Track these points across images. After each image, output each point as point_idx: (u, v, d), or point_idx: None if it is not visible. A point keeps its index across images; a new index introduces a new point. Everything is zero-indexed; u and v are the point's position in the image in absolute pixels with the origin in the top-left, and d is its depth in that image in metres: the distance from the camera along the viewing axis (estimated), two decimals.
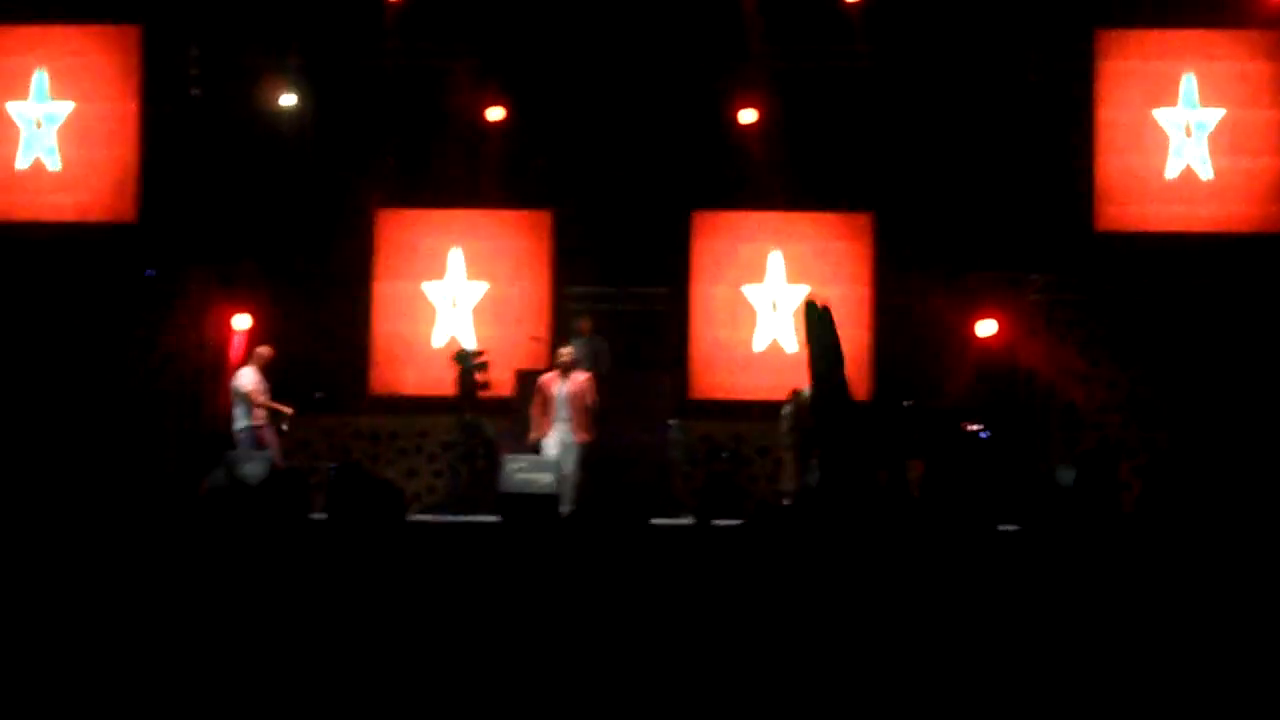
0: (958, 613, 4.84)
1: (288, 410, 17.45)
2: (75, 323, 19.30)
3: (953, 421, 17.46)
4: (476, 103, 19.80)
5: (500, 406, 18.23)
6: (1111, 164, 19.16)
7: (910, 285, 19.50)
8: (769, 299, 19.91)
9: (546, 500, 15.38)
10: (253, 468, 16.10)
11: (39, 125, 19.61)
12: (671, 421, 18.13)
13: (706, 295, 20.04)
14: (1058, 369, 19.33)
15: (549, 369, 17.23)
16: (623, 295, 19.92)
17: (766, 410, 18.71)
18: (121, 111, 19.60)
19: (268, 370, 17.52)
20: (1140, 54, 19.26)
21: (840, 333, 19.22)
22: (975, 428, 17.61)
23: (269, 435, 17.31)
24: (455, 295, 20.08)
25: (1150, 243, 19.00)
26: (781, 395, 18.19)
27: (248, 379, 17.39)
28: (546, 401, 16.78)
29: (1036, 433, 19.01)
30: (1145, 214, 19.09)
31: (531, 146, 20.00)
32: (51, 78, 19.66)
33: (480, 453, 18.17)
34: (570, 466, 16.56)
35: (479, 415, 18.18)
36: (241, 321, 19.41)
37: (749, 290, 19.96)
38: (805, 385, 18.02)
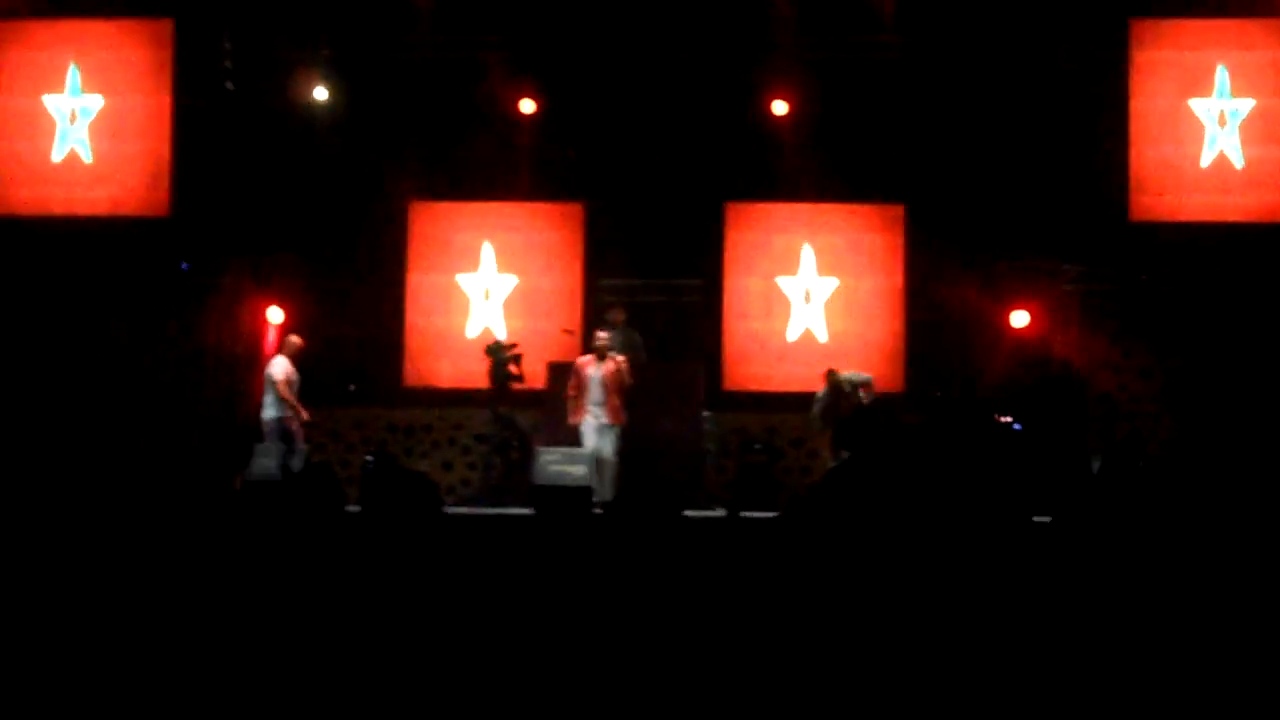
0: (985, 605, 4.83)
1: (304, 415, 17.44)
2: (109, 316, 19.38)
3: (986, 413, 17.44)
4: (508, 95, 19.80)
5: (533, 399, 18.25)
6: (1145, 154, 19.09)
7: (943, 276, 19.45)
8: (802, 290, 19.89)
9: (580, 492, 15.38)
10: (288, 461, 16.17)
11: (73, 119, 19.69)
12: (704, 413, 18.12)
13: (739, 287, 20.03)
14: (1091, 360, 19.27)
15: (584, 354, 17.28)
16: (655, 287, 19.91)
17: (800, 401, 18.68)
18: (155, 105, 19.65)
19: (298, 360, 17.57)
20: (1174, 43, 19.18)
21: (873, 324, 19.27)
22: (1008, 419, 17.59)
23: (297, 426, 17.35)
24: (488, 287, 20.11)
25: (1184, 232, 18.92)
26: (815, 386, 18.16)
27: (279, 368, 17.44)
28: (581, 384, 16.82)
29: (1070, 424, 18.94)
30: (1179, 204, 19.01)
31: (563, 138, 20.00)
32: (85, 72, 19.74)
33: (514, 445, 18.17)
34: (608, 451, 16.59)
35: (512, 407, 18.19)
36: (275, 314, 19.47)
37: (781, 282, 19.94)
38: (840, 368, 18.08)
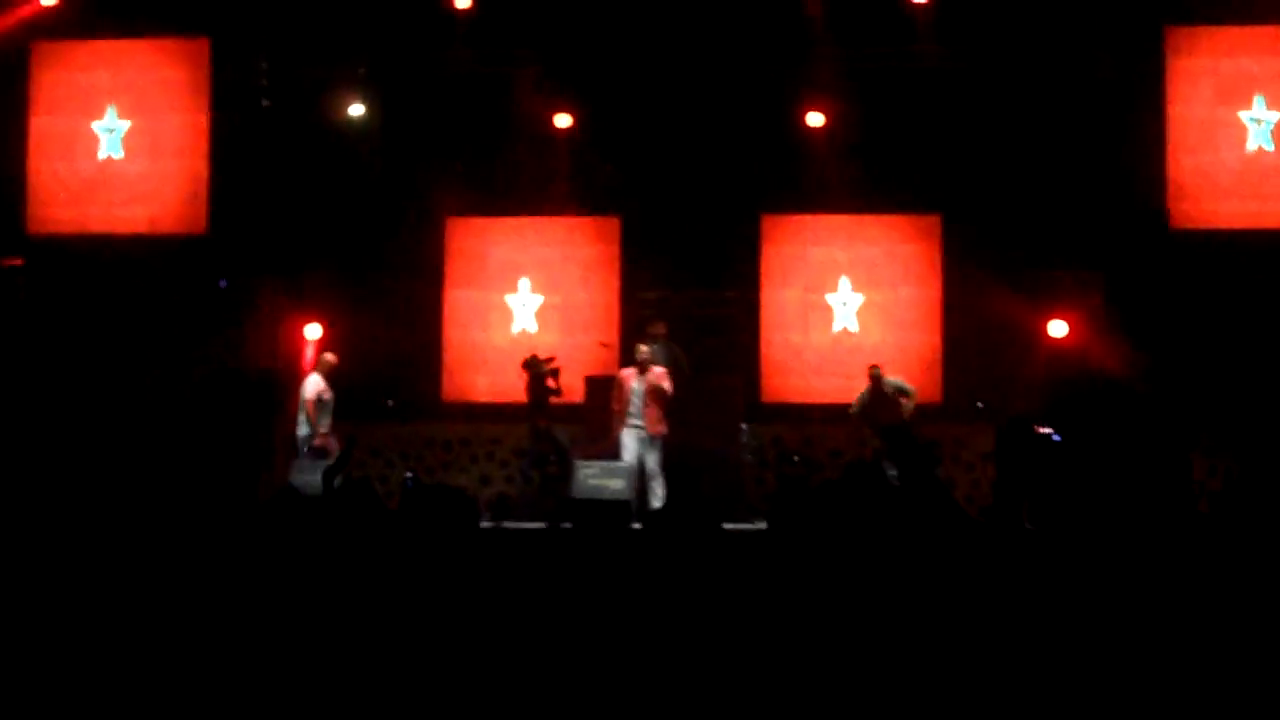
0: (1018, 615, 4.81)
1: (320, 435, 17.41)
2: (147, 334, 19.44)
3: (1025, 425, 17.37)
4: (544, 109, 19.83)
5: (571, 413, 18.24)
6: (1184, 161, 19.02)
7: (980, 287, 19.39)
8: (839, 301, 19.86)
9: (618, 506, 15.36)
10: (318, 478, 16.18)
11: (110, 135, 19.79)
12: (742, 425, 18.10)
13: (776, 299, 20.01)
14: (1131, 369, 19.17)
15: (626, 366, 17.28)
16: (692, 300, 19.90)
17: (838, 413, 18.65)
18: (192, 123, 19.74)
19: (332, 378, 17.59)
20: (1211, 51, 19.11)
21: (910, 335, 19.23)
22: (1047, 431, 17.51)
23: (331, 443, 17.38)
24: (526, 301, 20.13)
25: (1224, 240, 18.84)
26: (852, 398, 18.14)
27: (310, 387, 17.48)
28: (624, 397, 16.83)
29: (1110, 435, 18.84)
30: (1219, 211, 18.94)
31: (599, 152, 20.01)
32: (123, 91, 19.83)
33: (552, 459, 18.17)
34: (651, 463, 16.59)
35: (550, 422, 18.19)
36: (313, 331, 19.52)
37: (818, 293, 19.91)
38: (881, 366, 18.06)
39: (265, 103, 19.92)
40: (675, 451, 16.82)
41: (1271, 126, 18.92)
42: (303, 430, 17.39)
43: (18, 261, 19.80)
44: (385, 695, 4.68)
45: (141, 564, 5.47)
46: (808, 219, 20.15)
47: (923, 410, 18.13)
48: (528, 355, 18.42)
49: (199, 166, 19.70)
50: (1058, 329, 18.99)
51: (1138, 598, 5.00)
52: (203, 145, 19.70)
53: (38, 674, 4.90)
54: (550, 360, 18.18)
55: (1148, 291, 19.15)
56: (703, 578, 4.90)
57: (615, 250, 20.24)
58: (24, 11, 19.83)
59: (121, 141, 19.82)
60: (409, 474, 18.69)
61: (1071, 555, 5.29)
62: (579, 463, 16.52)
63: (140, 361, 19.43)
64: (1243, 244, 18.79)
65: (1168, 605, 4.97)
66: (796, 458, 19.18)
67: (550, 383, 18.03)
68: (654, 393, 16.78)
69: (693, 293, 19.95)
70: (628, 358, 17.82)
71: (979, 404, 19.03)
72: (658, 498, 16.23)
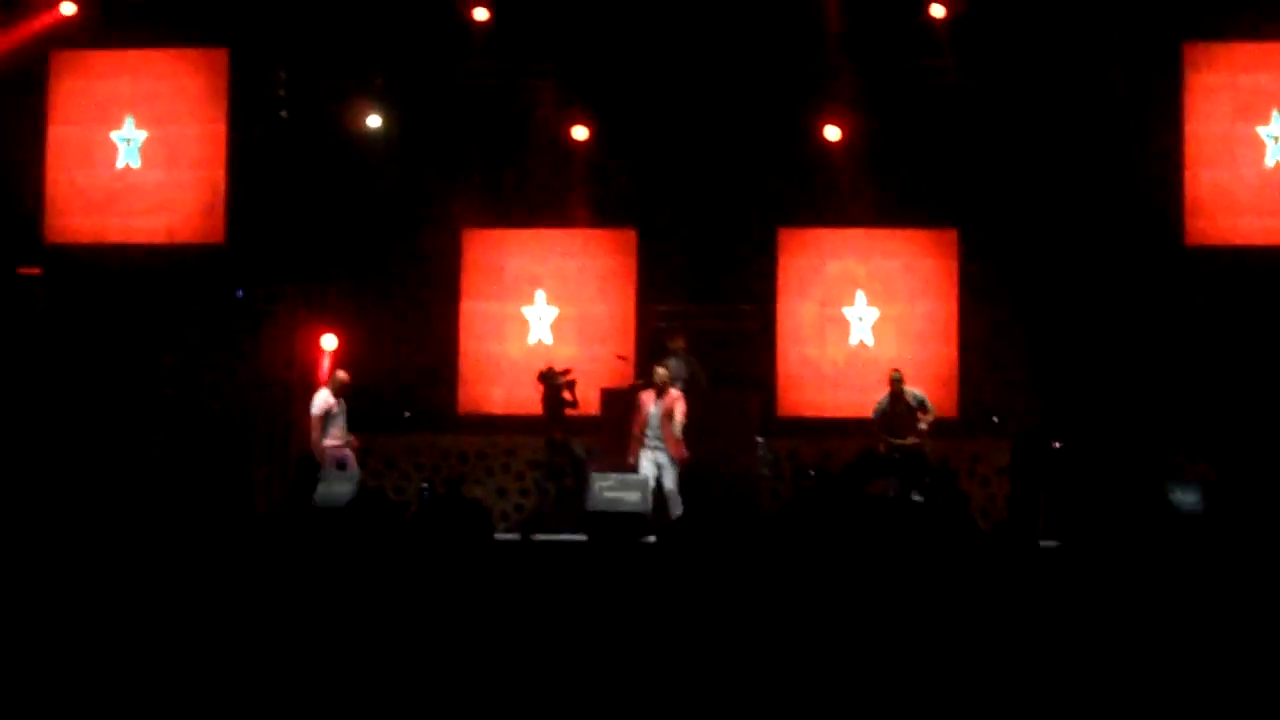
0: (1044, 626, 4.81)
1: (318, 450, 17.36)
2: (165, 343, 19.47)
3: (1038, 438, 17.35)
4: (561, 121, 19.84)
5: (587, 425, 18.22)
6: (1201, 177, 19.00)
7: (996, 301, 19.37)
8: (855, 315, 19.85)
9: (634, 519, 15.34)
10: (340, 488, 16.19)
11: (128, 145, 19.84)
12: (759, 439, 18.08)
13: (792, 312, 20.00)
14: (1148, 385, 19.14)
15: (644, 386, 17.24)
16: (708, 313, 19.88)
17: (854, 427, 18.62)
18: (210, 133, 19.78)
19: (343, 394, 17.53)
20: (1228, 67, 19.10)
21: (927, 349, 19.21)
22: (1060, 445, 17.49)
23: (349, 455, 17.36)
24: (541, 313, 20.14)
25: (1241, 256, 18.82)
26: (868, 412, 18.09)
27: (316, 402, 17.42)
28: (641, 419, 16.80)
29: (1129, 450, 18.81)
30: (1236, 227, 18.91)
31: (616, 165, 20.02)
32: (141, 101, 19.88)
33: (568, 471, 18.15)
34: (669, 482, 16.55)
35: (566, 434, 18.17)
36: (329, 341, 19.52)
37: (834, 307, 19.90)
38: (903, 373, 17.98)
39: (283, 113, 19.94)
40: (690, 465, 16.79)
41: None
42: (330, 441, 17.35)
43: (36, 271, 19.85)
44: (397, 700, 4.69)
45: (149, 571, 5.48)
46: (824, 233, 20.14)
47: (939, 425, 18.08)
48: (543, 367, 18.40)
49: (217, 177, 19.74)
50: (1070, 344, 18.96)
51: (1147, 609, 5.00)
52: (220, 156, 19.74)
53: (43, 676, 4.92)
54: (566, 373, 18.17)
55: (1164, 307, 19.13)
56: (717, 587, 4.90)
57: (631, 262, 20.23)
58: (43, 21, 19.89)
59: (139, 151, 19.86)
60: (425, 484, 18.70)
61: (1090, 568, 5.29)
62: (595, 475, 16.49)
63: (156, 371, 19.46)
64: (1259, 260, 18.76)
65: (1170, 612, 4.98)
66: (813, 472, 19.14)
67: (566, 395, 18.02)
68: (671, 415, 16.73)
69: (709, 306, 19.92)
70: (643, 370, 17.82)
71: (994, 419, 19.00)
72: (675, 515, 16.20)
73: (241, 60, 19.80)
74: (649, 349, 19.18)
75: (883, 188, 19.54)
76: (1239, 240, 18.88)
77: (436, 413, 20.09)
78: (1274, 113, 18.96)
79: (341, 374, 17.77)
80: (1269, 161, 18.93)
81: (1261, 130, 18.96)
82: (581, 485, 17.02)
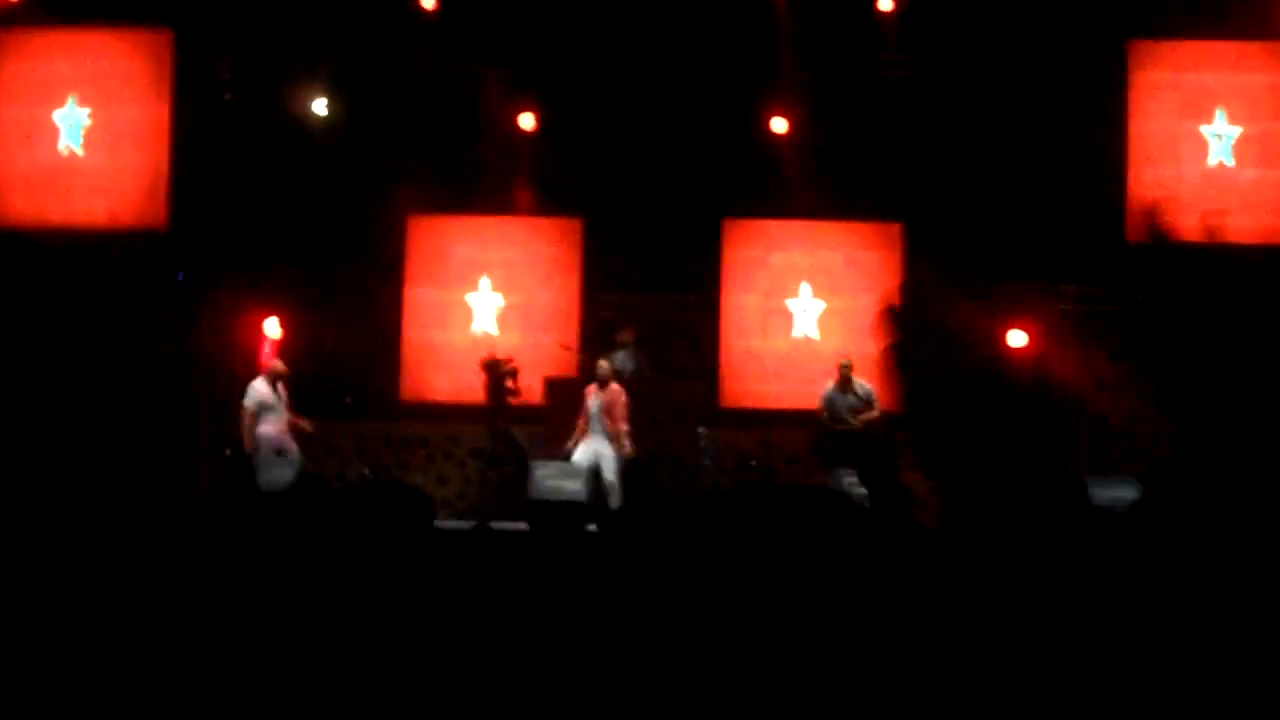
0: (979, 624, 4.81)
1: (247, 442, 17.31)
2: (104, 327, 19.34)
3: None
4: (508, 110, 19.82)
5: (530, 414, 18.23)
6: (1144, 175, 19.11)
7: (940, 295, 19.43)
8: (799, 307, 19.88)
9: (575, 508, 15.36)
10: (280, 474, 16.15)
11: (70, 127, 19.69)
12: (701, 429, 18.11)
13: (736, 303, 20.02)
14: (1088, 380, 19.25)
15: (588, 380, 17.30)
16: (652, 303, 19.90)
17: (796, 419, 18.66)
18: (153, 116, 19.64)
19: (285, 383, 17.46)
20: (1173, 65, 19.22)
21: (870, 342, 19.24)
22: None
23: (288, 441, 17.31)
24: (486, 301, 20.10)
25: (1182, 254, 18.93)
26: (815, 403, 18.10)
27: (250, 393, 17.36)
28: (584, 411, 16.88)
29: (1067, 445, 18.93)
30: (1178, 224, 19.02)
31: (563, 153, 20.00)
32: (83, 82, 19.73)
33: (510, 460, 18.16)
34: (610, 474, 16.61)
35: (509, 423, 18.17)
36: (271, 327, 19.43)
37: (778, 299, 19.93)
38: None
39: (228, 97, 19.85)
40: (633, 454, 16.84)
41: (1232, 142, 19.02)
42: (262, 429, 17.28)
43: None
44: (336, 693, 4.66)
45: (83, 556, 5.43)
46: (770, 224, 20.18)
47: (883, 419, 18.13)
48: (487, 356, 18.38)
49: (159, 160, 19.60)
50: (1016, 339, 19.04)
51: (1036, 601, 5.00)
52: (164, 138, 19.61)
53: None
54: (509, 362, 18.16)
55: (1106, 303, 19.24)
56: (661, 578, 4.88)
57: (577, 252, 20.22)
58: None
59: (82, 133, 19.71)
60: (366, 471, 18.67)
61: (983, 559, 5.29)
62: (536, 464, 16.51)
63: (96, 355, 19.33)
64: (1200, 259, 18.87)
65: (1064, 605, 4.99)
66: (754, 463, 19.20)
67: (509, 384, 18.01)
68: (611, 410, 16.81)
69: (654, 296, 19.94)
70: (587, 360, 17.84)
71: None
72: (614, 505, 16.25)
73: (186, 42, 19.66)
74: (593, 338, 19.18)
75: (828, 180, 19.59)
76: (1181, 238, 18.98)
77: (379, 399, 20.04)
78: (1217, 112, 19.08)
79: (278, 364, 17.70)
80: (1211, 160, 19.05)
81: (1205, 129, 19.08)
82: (523, 474, 17.03)
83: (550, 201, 20.17)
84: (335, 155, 19.84)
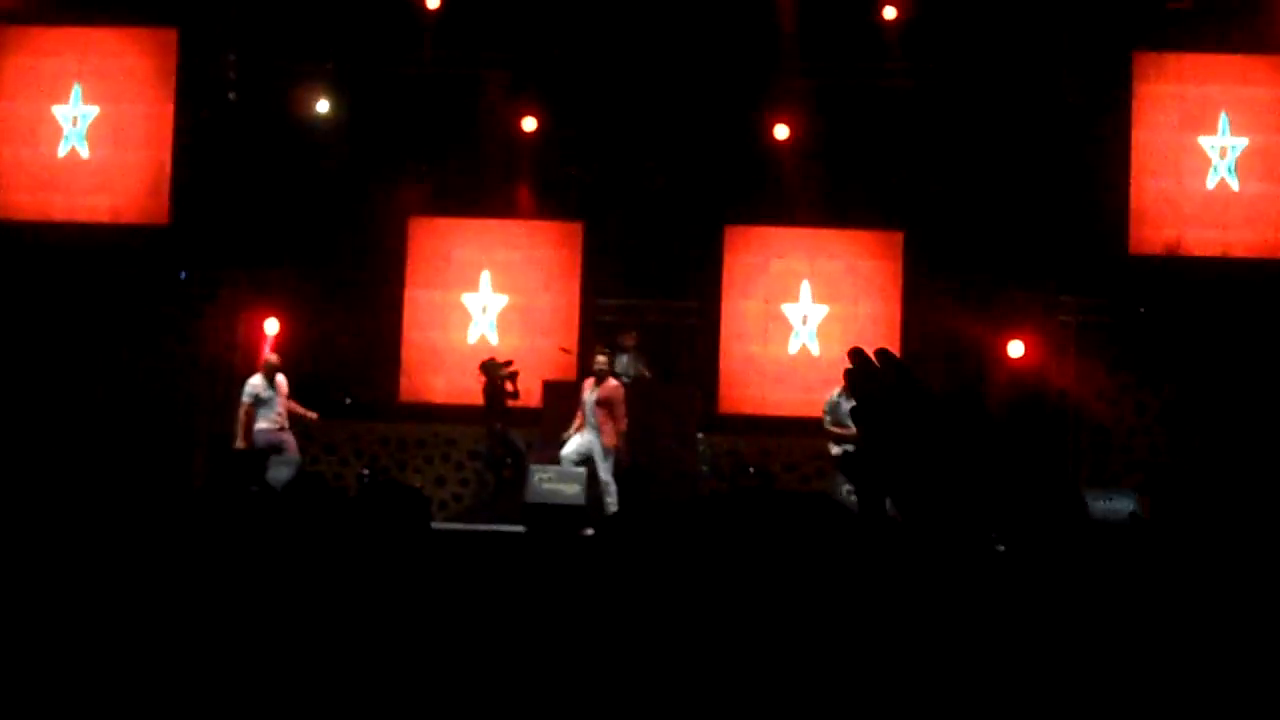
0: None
1: (240, 440, 17.35)
2: (106, 323, 19.37)
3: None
4: (511, 113, 19.83)
5: (529, 416, 18.23)
6: (1147, 186, 19.12)
7: (940, 304, 19.45)
8: (799, 314, 19.89)
9: (573, 511, 15.36)
10: (277, 472, 16.15)
11: (74, 124, 19.72)
12: (699, 436, 18.10)
13: (736, 309, 20.02)
14: (1087, 391, 19.26)
15: (587, 376, 17.31)
16: (652, 308, 19.90)
17: (794, 426, 18.67)
18: (157, 113, 19.68)
19: (280, 375, 17.45)
20: (1176, 77, 19.22)
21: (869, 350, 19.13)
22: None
23: (286, 438, 17.32)
24: (485, 303, 20.11)
25: (1184, 266, 18.93)
26: (809, 411, 18.05)
27: (247, 388, 17.38)
28: (581, 406, 16.86)
29: (1066, 455, 18.92)
30: (1179, 237, 19.02)
31: (564, 157, 20.02)
32: (88, 79, 19.76)
33: (508, 462, 18.16)
34: (604, 473, 16.57)
35: (507, 425, 18.17)
36: (271, 326, 19.44)
37: (778, 306, 19.94)
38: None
39: (232, 95, 19.89)
40: (630, 460, 16.82)
41: (1236, 154, 19.02)
42: (258, 425, 17.29)
43: None
44: (330, 694, 4.66)
45: (79, 552, 5.43)
46: (771, 231, 20.18)
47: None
48: (486, 358, 18.39)
49: (163, 157, 19.64)
50: (1015, 349, 19.06)
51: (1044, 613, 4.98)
52: (167, 136, 19.65)
53: None
54: (508, 364, 18.15)
55: (1106, 315, 19.25)
56: (656, 584, 4.87)
57: (577, 256, 20.23)
58: None
59: (86, 130, 19.74)
60: (365, 471, 18.68)
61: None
62: (534, 467, 16.51)
63: (97, 352, 19.35)
64: (1201, 270, 18.87)
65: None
66: (752, 469, 19.19)
67: (507, 386, 18.00)
68: (606, 404, 16.79)
69: (654, 301, 19.94)
70: (587, 364, 17.84)
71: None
72: (610, 508, 16.23)
73: (191, 41, 19.70)
74: (592, 342, 19.20)
75: (830, 188, 19.61)
76: (1182, 250, 18.98)
77: (378, 400, 20.04)
78: (1220, 124, 19.08)
79: (272, 357, 17.69)
80: (1214, 173, 19.05)
81: (1207, 141, 19.08)
82: (521, 477, 17.03)
83: (551, 204, 20.19)
84: (337, 155, 19.85)
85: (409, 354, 20.17)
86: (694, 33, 19.43)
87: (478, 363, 18.34)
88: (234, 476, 15.88)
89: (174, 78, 19.67)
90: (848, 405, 17.36)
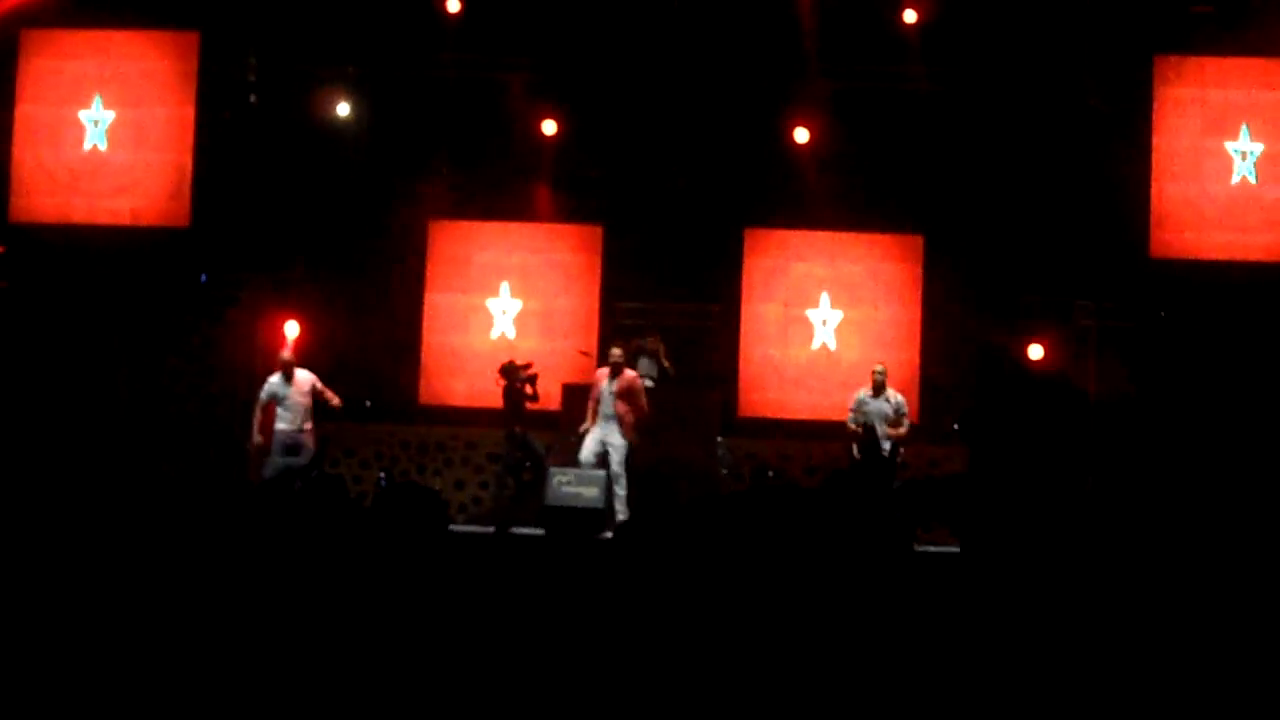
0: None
1: (255, 439, 17.37)
2: (127, 326, 19.41)
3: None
4: (531, 116, 19.83)
5: (548, 420, 18.23)
6: (1167, 190, 19.06)
7: (961, 308, 19.41)
8: (819, 318, 19.86)
9: (591, 514, 15.36)
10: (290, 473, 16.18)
11: (96, 126, 19.76)
12: (719, 439, 18.10)
13: (756, 313, 20.01)
14: (1107, 395, 19.21)
15: (601, 367, 17.30)
16: (672, 311, 19.88)
17: (814, 430, 18.66)
18: (178, 116, 19.72)
19: (298, 373, 17.41)
20: (1198, 81, 19.16)
21: (889, 354, 19.18)
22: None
23: (304, 439, 17.31)
24: (506, 307, 20.12)
25: (1204, 270, 18.88)
26: (830, 414, 18.07)
27: (265, 387, 17.40)
28: (594, 396, 16.84)
29: (1074, 455, 18.86)
30: (1200, 241, 18.98)
31: (585, 160, 20.01)
32: (110, 82, 19.80)
33: (527, 465, 18.16)
34: (615, 464, 16.53)
35: (527, 428, 18.17)
36: (291, 328, 19.45)
37: (798, 309, 19.92)
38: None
39: (253, 99, 19.92)
40: (649, 462, 16.80)
41: (1256, 158, 18.97)
42: (280, 425, 17.29)
43: None
44: (344, 695, 4.67)
45: (104, 557, 5.45)
46: (791, 234, 20.15)
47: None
48: (505, 361, 18.39)
49: (184, 160, 19.67)
50: (1036, 352, 19.03)
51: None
52: (188, 139, 19.68)
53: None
54: (528, 367, 18.15)
55: (1126, 319, 19.20)
56: (672, 588, 4.89)
57: (597, 259, 20.23)
58: (15, 0, 19.82)
59: (107, 132, 19.78)
60: (382, 474, 18.69)
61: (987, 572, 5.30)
62: (553, 470, 16.51)
63: (118, 354, 19.40)
64: (1222, 275, 18.82)
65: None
66: (772, 473, 19.17)
67: (527, 389, 18.00)
68: (625, 395, 16.75)
69: (673, 304, 19.92)
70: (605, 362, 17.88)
71: (955, 425, 19.03)
72: (620, 500, 16.20)
73: (212, 44, 19.74)
74: (612, 345, 19.18)
75: (850, 192, 19.58)
76: (1203, 254, 18.94)
77: (398, 403, 20.05)
78: (1242, 128, 19.03)
79: (285, 353, 17.66)
80: (1235, 177, 19.00)
81: (1229, 145, 19.03)
82: (540, 480, 17.04)
83: (571, 208, 20.19)
84: (358, 158, 19.89)
85: (429, 357, 20.19)
86: (715, 36, 19.42)
87: (497, 366, 18.34)
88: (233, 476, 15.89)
89: (195, 81, 19.70)
90: (874, 405, 17.43)
